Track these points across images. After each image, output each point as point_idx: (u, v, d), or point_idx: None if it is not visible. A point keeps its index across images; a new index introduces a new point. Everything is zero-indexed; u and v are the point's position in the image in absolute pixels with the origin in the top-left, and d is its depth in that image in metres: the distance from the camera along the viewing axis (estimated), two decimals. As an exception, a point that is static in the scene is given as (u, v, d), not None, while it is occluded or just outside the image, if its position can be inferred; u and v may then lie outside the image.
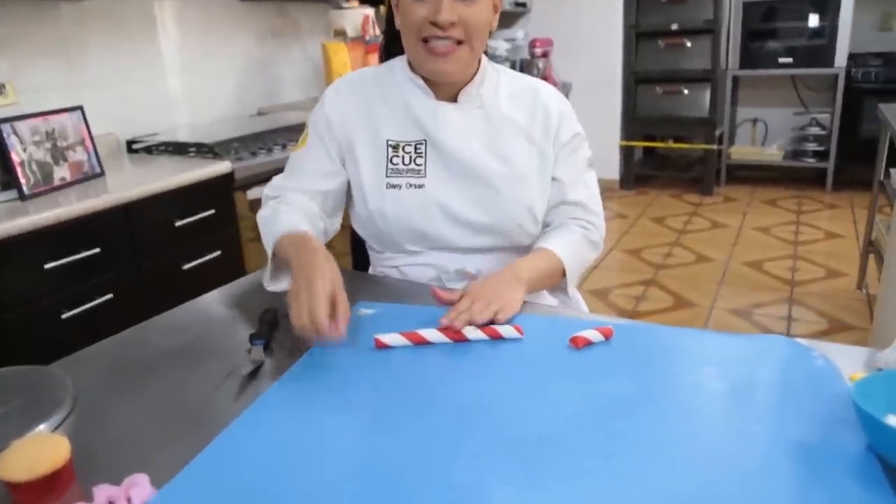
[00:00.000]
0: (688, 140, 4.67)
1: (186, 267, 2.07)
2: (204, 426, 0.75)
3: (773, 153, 4.60)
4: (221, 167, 2.16)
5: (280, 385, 0.83)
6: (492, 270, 1.19)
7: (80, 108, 2.01)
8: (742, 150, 4.74)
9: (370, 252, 1.26)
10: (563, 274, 1.14)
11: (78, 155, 1.98)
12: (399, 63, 1.17)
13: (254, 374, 0.86)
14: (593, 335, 0.89)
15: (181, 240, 2.04)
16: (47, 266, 1.70)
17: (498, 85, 1.18)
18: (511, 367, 0.85)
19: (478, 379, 0.83)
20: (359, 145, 1.16)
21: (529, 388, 0.80)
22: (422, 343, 0.91)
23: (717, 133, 4.53)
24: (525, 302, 1.03)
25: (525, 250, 1.21)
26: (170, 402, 0.82)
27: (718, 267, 3.38)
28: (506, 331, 0.93)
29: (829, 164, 4.40)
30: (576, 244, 1.17)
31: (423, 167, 1.14)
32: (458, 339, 0.91)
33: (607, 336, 0.90)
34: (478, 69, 1.15)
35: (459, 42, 1.06)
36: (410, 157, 1.14)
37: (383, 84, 1.18)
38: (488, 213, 1.14)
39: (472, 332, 0.92)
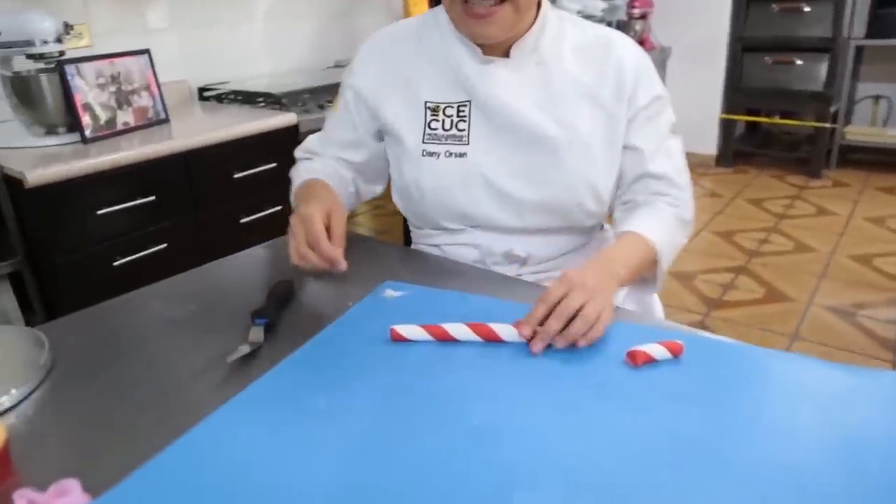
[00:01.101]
0: (797, 116, 4.23)
1: (244, 221, 1.99)
2: (173, 420, 0.63)
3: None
4: (286, 119, 2.06)
5: (269, 378, 0.70)
6: (546, 254, 1.02)
7: (147, 51, 1.95)
8: (859, 131, 4.26)
9: (411, 228, 1.12)
10: (655, 261, 0.94)
11: (143, 100, 1.92)
12: (443, 12, 1.00)
13: (249, 358, 0.74)
14: (657, 351, 0.71)
15: (240, 192, 1.96)
16: (100, 212, 1.65)
17: (562, 36, 0.98)
18: (549, 381, 0.69)
19: (504, 392, 0.67)
20: (393, 108, 1.01)
21: (568, 412, 0.64)
22: (445, 339, 0.76)
23: (832, 110, 4.07)
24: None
25: (586, 233, 1.03)
26: (144, 386, 0.70)
27: (820, 258, 3.04)
28: (505, 332, 0.76)
29: (963, 152, 3.88)
30: (669, 227, 0.98)
31: (465, 133, 0.97)
32: (491, 338, 0.75)
33: (675, 353, 0.72)
34: (536, 17, 0.96)
35: (502, 0, 0.88)
36: (452, 121, 0.98)
37: (425, 37, 1.02)
38: (541, 188, 0.96)
39: (507, 332, 0.75)
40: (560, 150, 0.95)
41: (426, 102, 0.99)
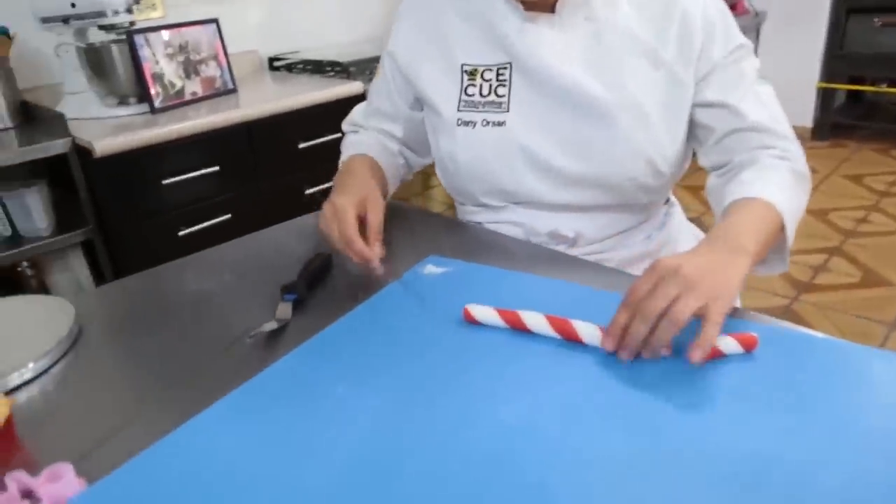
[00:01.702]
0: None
1: (309, 192, 1.97)
2: (184, 403, 0.59)
3: None
4: (352, 88, 2.01)
5: (286, 362, 0.64)
6: (597, 234, 0.91)
7: (216, 21, 1.93)
8: (980, 101, 3.83)
9: (455, 203, 1.04)
10: (781, 229, 0.76)
11: (210, 70, 1.91)
12: None
13: (277, 334, 0.69)
14: (727, 344, 0.61)
15: (304, 163, 1.94)
16: (166, 181, 1.66)
17: None
18: (601, 376, 0.60)
19: (541, 387, 0.59)
20: (429, 75, 0.93)
21: (617, 415, 0.55)
22: (519, 328, 0.67)
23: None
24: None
25: (644, 209, 0.92)
26: (163, 364, 0.67)
27: (927, 240, 2.76)
28: (585, 331, 0.64)
29: None
30: (789, 184, 0.78)
31: (505, 99, 0.87)
32: (570, 336, 0.65)
33: (748, 347, 0.61)
34: None
35: None
36: (490, 87, 0.88)
37: None
38: (590, 160, 0.85)
39: (588, 333, 0.64)
40: (611, 118, 0.83)
41: (462, 65, 0.90)
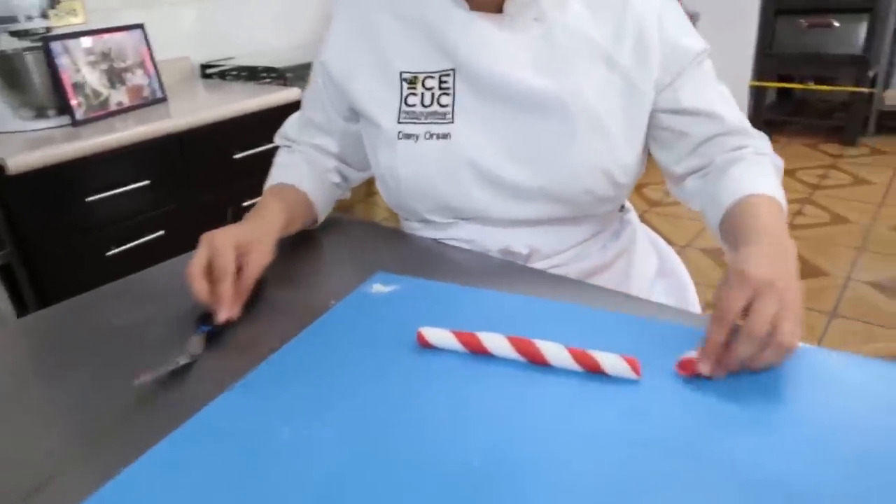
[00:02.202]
0: (832, 82, 3.98)
1: (248, 204, 1.87)
2: (96, 460, 0.51)
3: (938, 99, 3.84)
4: (289, 94, 1.93)
5: (226, 398, 0.57)
6: (551, 248, 0.85)
7: (141, 26, 1.82)
8: (899, 95, 4.00)
9: (399, 218, 0.97)
10: None
11: (137, 78, 1.80)
12: None
13: (183, 372, 0.61)
14: (613, 365, 0.57)
15: (241, 173, 1.84)
16: (91, 198, 1.54)
17: None
18: (582, 407, 0.55)
19: (516, 414, 0.53)
20: (364, 85, 0.85)
21: (601, 439, 0.50)
22: (479, 351, 0.61)
23: (871, 74, 3.82)
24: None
25: (598, 220, 0.87)
26: (71, 413, 0.58)
27: (858, 230, 2.84)
28: (612, 365, 0.57)
29: None
30: (775, 177, 0.77)
31: (449, 109, 0.81)
32: (534, 358, 0.59)
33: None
34: None
35: None
36: (433, 96, 0.81)
37: None
38: (544, 172, 0.80)
39: (554, 355, 0.59)
40: (566, 125, 0.78)
41: (401, 73, 0.83)
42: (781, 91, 4.47)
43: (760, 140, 0.81)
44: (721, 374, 0.55)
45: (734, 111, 0.81)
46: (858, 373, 0.57)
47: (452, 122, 0.81)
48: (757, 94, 4.17)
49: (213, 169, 1.80)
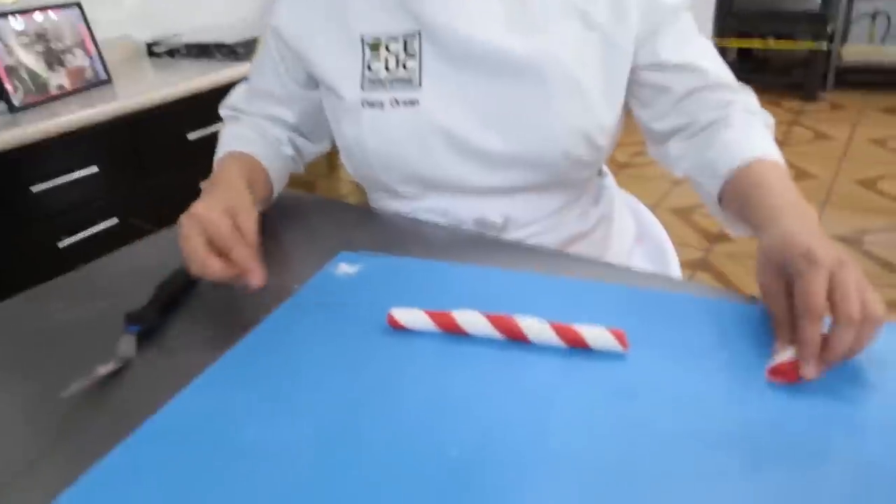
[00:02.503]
0: (792, 38, 3.98)
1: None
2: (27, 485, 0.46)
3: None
4: (242, 70, 1.84)
5: (183, 398, 0.52)
6: (528, 217, 0.81)
7: (78, 4, 1.71)
8: (857, 50, 4.02)
9: (367, 192, 0.92)
10: None
11: (78, 59, 1.69)
12: None
13: (114, 378, 0.55)
14: (597, 338, 0.53)
15: (197, 155, 1.76)
16: (36, 188, 1.46)
17: None
18: (570, 389, 0.51)
19: (518, 412, 0.49)
20: (323, 50, 0.79)
21: (594, 421, 0.46)
22: (455, 331, 0.57)
23: (829, 30, 3.83)
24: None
25: (576, 186, 0.83)
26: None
27: (822, 185, 2.86)
28: (596, 338, 0.53)
29: (965, 64, 3.66)
30: (772, 140, 0.72)
31: (416, 73, 0.75)
32: (515, 335, 0.55)
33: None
34: None
35: None
36: (398, 60, 0.76)
37: None
38: (519, 137, 0.75)
39: (536, 331, 0.54)
40: (542, 86, 0.73)
41: (363, 37, 0.77)
42: (743, 50, 4.47)
43: (746, 95, 0.77)
44: (823, 373, 0.49)
45: (717, 64, 0.77)
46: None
47: (420, 88, 0.75)
48: (719, 53, 4.16)
49: (166, 151, 1.71)
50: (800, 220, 0.57)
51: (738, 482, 0.41)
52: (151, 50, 2.14)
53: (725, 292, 0.61)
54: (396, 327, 0.58)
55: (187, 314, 0.65)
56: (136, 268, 0.76)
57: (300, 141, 0.92)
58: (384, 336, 0.57)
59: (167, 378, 0.54)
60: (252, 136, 0.85)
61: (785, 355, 0.49)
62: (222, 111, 0.92)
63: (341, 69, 0.78)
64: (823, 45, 3.81)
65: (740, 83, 0.78)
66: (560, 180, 0.79)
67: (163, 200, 1.70)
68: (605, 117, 0.76)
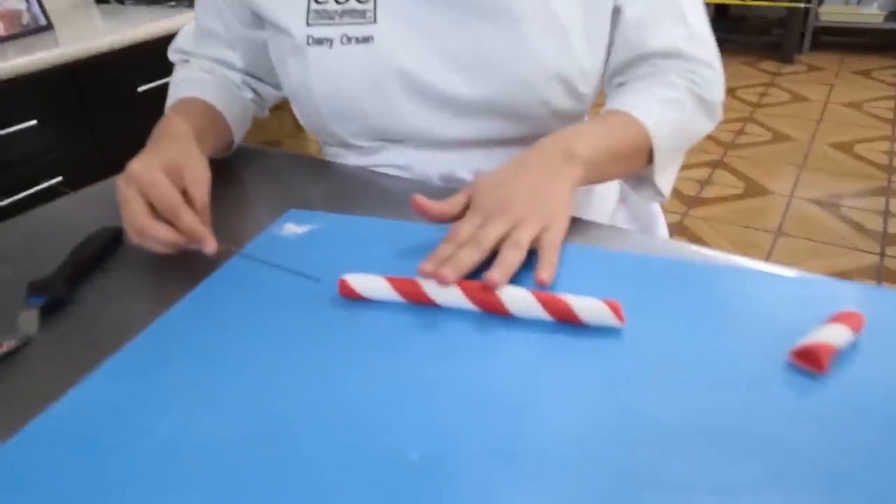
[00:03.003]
0: (769, -3, 3.90)
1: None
2: None
3: (872, 13, 3.81)
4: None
5: (93, 382, 0.42)
6: None
7: (12, -61, 1.55)
8: (834, 10, 3.95)
9: (321, 144, 0.81)
10: (650, 155, 0.64)
11: (12, 2, 1.54)
12: None
13: (10, 359, 0.46)
14: (839, 334, 0.41)
15: (147, 107, 1.61)
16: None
17: None
18: (558, 370, 0.43)
19: (498, 407, 0.40)
20: None
21: (585, 409, 0.38)
22: (420, 301, 0.48)
23: (806, -12, 3.75)
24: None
25: None
26: None
27: (799, 148, 2.81)
28: (587, 310, 0.44)
29: (941, 26, 3.61)
30: (675, 102, 0.66)
31: (370, 6, 0.65)
32: (492, 308, 0.47)
33: (855, 329, 0.41)
34: None
35: None
36: None
37: None
38: (491, 81, 0.66)
39: (515, 298, 0.46)
40: (514, 24, 0.63)
41: None
42: (719, 8, 4.37)
43: (701, 67, 0.68)
44: (447, 276, 0.47)
45: (678, 29, 0.67)
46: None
47: (375, 23, 0.65)
48: (696, 13, 4.05)
49: (114, 104, 1.58)
50: (544, 153, 0.57)
51: (756, 486, 0.33)
52: (99, -5, 1.98)
53: (727, 256, 0.53)
54: (350, 296, 0.49)
55: (103, 284, 0.55)
56: (50, 230, 0.66)
57: (256, 84, 0.81)
58: (335, 308, 0.48)
59: (74, 360, 0.45)
60: (203, 78, 0.75)
61: (821, 335, 0.41)
62: (171, 55, 0.82)
63: (282, 8, 0.68)
64: (801, 4, 3.73)
65: (705, 56, 0.69)
66: (537, 133, 0.70)
67: (112, 157, 1.57)
68: (586, 59, 0.67)
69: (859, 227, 2.22)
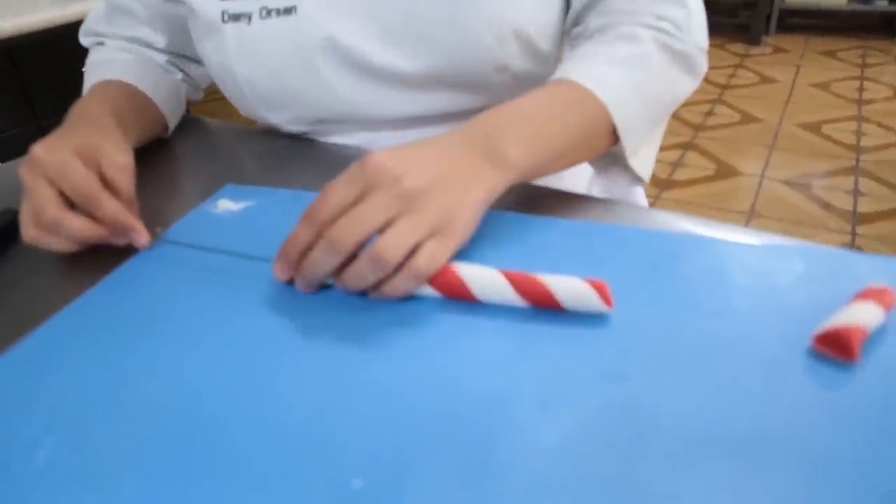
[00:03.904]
0: (737, -21, 3.87)
1: (108, 126, 1.55)
2: None
3: (836, -5, 3.80)
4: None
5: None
6: None
7: None
8: (799, -8, 3.94)
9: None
10: (615, 134, 0.50)
11: (-59, -28, 1.41)
12: None
13: None
14: (870, 314, 0.34)
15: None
16: None
17: None
18: (534, 365, 0.35)
19: (465, 411, 0.33)
20: None
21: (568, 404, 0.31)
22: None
23: (773, -29, 3.73)
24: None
25: None
26: None
27: (768, 129, 2.78)
28: (569, 293, 0.36)
29: (904, 8, 3.61)
30: (638, 63, 0.51)
31: None
32: (452, 290, 0.38)
33: (887, 306, 0.34)
34: None
35: None
36: None
37: None
38: (435, 49, 0.56)
39: (482, 280, 0.38)
40: None
41: None
42: (687, -8, 4.33)
43: (675, 7, 0.54)
44: (303, 285, 0.40)
45: None
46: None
47: None
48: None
49: (58, 85, 1.46)
50: (467, 140, 0.43)
51: (781, 502, 0.26)
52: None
53: (727, 227, 0.46)
54: (289, 282, 0.41)
55: (28, 268, 0.46)
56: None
57: (183, 63, 0.71)
58: (270, 295, 0.40)
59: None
60: (123, 58, 0.65)
61: (848, 316, 0.34)
62: (83, 39, 0.71)
63: None
64: (768, -13, 3.71)
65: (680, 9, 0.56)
66: (499, 99, 0.61)
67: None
68: (541, 10, 0.57)
69: (829, 207, 2.20)
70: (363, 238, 0.37)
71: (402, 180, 0.38)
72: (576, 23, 0.59)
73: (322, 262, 0.38)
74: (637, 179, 0.54)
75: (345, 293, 0.39)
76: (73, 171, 0.44)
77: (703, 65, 0.56)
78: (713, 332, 0.35)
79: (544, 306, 0.37)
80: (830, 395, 0.31)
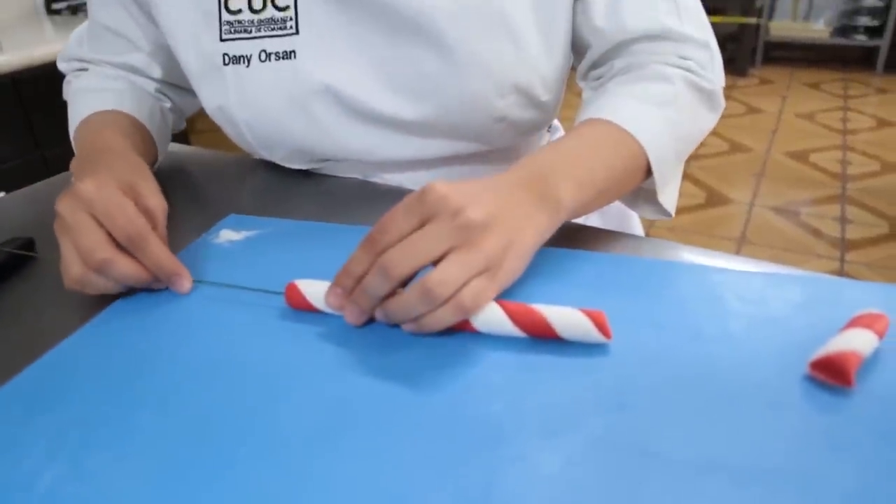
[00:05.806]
0: (723, 13, 3.93)
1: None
2: None
3: (819, 29, 3.87)
4: (151, 29, 1.60)
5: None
6: None
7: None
8: (784, 26, 4.01)
9: None
10: (646, 170, 0.50)
11: (-49, 8, 1.42)
12: None
13: None
14: (864, 341, 0.33)
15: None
16: None
17: None
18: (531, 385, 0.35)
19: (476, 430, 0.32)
20: None
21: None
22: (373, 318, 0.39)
23: (758, 5, 3.80)
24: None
25: (522, 153, 0.64)
26: None
27: (757, 158, 2.81)
28: (567, 324, 0.36)
29: (884, 42, 3.68)
30: (669, 102, 0.52)
31: (291, 13, 0.54)
32: (456, 324, 0.37)
33: (880, 334, 0.34)
34: None
35: None
36: None
37: None
38: (434, 99, 0.55)
39: (485, 316, 0.37)
40: (458, 32, 0.53)
41: None
42: (675, 26, 4.40)
43: (695, 48, 0.55)
44: (352, 317, 0.39)
45: (663, 4, 0.55)
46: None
47: (296, 34, 0.55)
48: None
49: (62, 118, 1.47)
50: (524, 184, 0.42)
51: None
52: (51, 7, 1.86)
53: (723, 255, 0.46)
54: (299, 306, 0.40)
55: (4, 303, 0.45)
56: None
57: (172, 92, 0.69)
58: (284, 320, 0.40)
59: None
60: (117, 86, 0.63)
61: (843, 342, 0.33)
62: (61, 64, 0.69)
63: (190, 12, 0.56)
64: (753, 20, 3.77)
65: (705, 36, 0.56)
66: (501, 148, 0.61)
67: (57, 170, 1.46)
68: (545, 64, 0.57)
69: (818, 234, 2.21)
70: (420, 267, 0.36)
71: (462, 212, 0.37)
72: (594, 65, 0.59)
73: (375, 287, 0.37)
74: (664, 213, 0.55)
75: (353, 324, 0.39)
76: (123, 211, 0.42)
77: (723, 102, 0.57)
78: (711, 360, 0.35)
79: (542, 336, 0.37)
80: (828, 420, 0.31)
